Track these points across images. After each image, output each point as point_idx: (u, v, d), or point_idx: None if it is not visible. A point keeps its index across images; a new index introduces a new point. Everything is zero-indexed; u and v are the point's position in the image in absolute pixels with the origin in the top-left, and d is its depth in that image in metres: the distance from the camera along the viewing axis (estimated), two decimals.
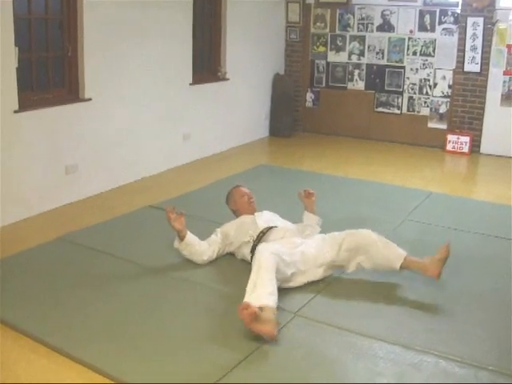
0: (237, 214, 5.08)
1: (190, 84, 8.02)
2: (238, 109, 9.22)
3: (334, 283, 4.51)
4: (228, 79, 8.82)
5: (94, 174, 6.56)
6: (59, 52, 6.21)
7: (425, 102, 9.54)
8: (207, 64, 8.64)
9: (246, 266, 4.60)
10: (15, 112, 5.60)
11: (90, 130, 6.45)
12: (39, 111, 5.89)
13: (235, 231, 4.84)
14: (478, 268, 4.95)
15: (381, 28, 9.65)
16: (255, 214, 4.95)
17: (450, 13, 9.15)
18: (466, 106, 9.22)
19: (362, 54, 9.87)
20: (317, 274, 4.44)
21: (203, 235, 5.07)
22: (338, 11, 9.92)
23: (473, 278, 4.74)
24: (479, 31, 8.89)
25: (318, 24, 10.13)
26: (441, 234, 5.66)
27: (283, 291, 4.20)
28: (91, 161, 6.50)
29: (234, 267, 4.79)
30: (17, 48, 5.54)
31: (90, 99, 6.37)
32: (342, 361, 3.53)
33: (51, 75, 6.18)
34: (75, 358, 3.50)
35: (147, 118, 7.28)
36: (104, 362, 3.44)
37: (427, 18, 9.32)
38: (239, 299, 3.88)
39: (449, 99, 9.36)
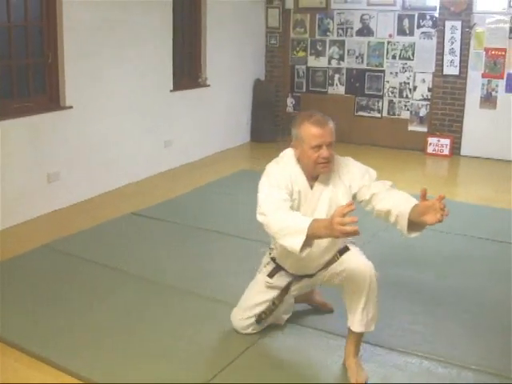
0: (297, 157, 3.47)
1: (171, 90, 8.02)
2: (219, 115, 9.24)
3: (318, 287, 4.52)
4: (209, 85, 8.83)
5: (77, 181, 6.54)
6: (39, 59, 6.19)
7: (405, 106, 9.60)
8: (188, 70, 8.64)
9: (238, 271, 4.64)
10: None
11: (71, 137, 6.43)
12: (20, 119, 5.86)
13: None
14: (460, 269, 5.01)
15: (360, 32, 9.71)
16: (320, 197, 3.45)
17: (428, 17, 9.22)
18: (446, 109, 9.29)
19: (341, 58, 9.92)
20: None
21: (186, 242, 5.09)
22: (317, 16, 9.96)
23: (455, 279, 4.79)
24: (457, 35, 8.97)
25: (298, 29, 10.17)
26: (422, 236, 5.68)
27: None
28: (73, 168, 6.48)
29: (224, 273, 4.80)
30: None
31: (70, 107, 6.35)
32: (328, 363, 3.55)
33: (32, 83, 6.16)
34: (61, 366, 3.48)
35: (128, 124, 7.27)
36: (91, 370, 3.43)
37: (406, 21, 9.38)
38: (226, 305, 3.89)
39: (429, 102, 9.43)
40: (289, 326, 3.94)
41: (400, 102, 9.62)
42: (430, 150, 9.27)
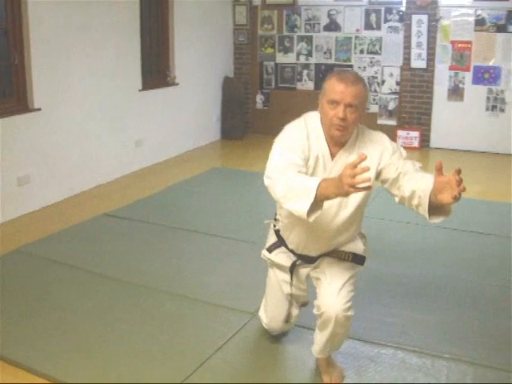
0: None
1: (140, 90, 7.99)
2: (188, 113, 9.23)
3: None
4: (178, 84, 8.82)
5: (48, 184, 6.49)
6: (5, 61, 6.13)
7: (374, 100, 9.67)
8: (156, 69, 8.62)
9: (214, 269, 4.64)
10: None
11: (41, 140, 6.37)
12: None
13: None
14: (434, 260, 5.06)
15: (328, 28, 9.75)
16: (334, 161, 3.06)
17: (394, 11, 9.30)
18: (414, 102, 9.37)
19: (309, 54, 9.96)
20: None
21: (161, 241, 5.07)
22: (284, 12, 9.99)
23: (425, 269, 4.85)
24: (424, 28, 9.05)
25: (266, 26, 10.19)
26: (394, 228, 5.78)
27: (238, 293, 4.24)
28: (44, 171, 6.43)
29: (199, 272, 4.81)
30: None
31: (39, 109, 6.30)
32: (302, 357, 3.57)
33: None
34: (37, 370, 3.46)
35: (98, 125, 7.23)
36: (66, 373, 3.41)
37: (373, 16, 9.45)
38: (203, 304, 3.89)
39: (397, 96, 9.51)
40: (259, 322, 3.95)
41: (369, 96, 9.68)
42: (399, 142, 9.33)
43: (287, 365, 3.54)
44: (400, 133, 9.37)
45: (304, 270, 3.36)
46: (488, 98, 9.04)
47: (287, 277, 3.37)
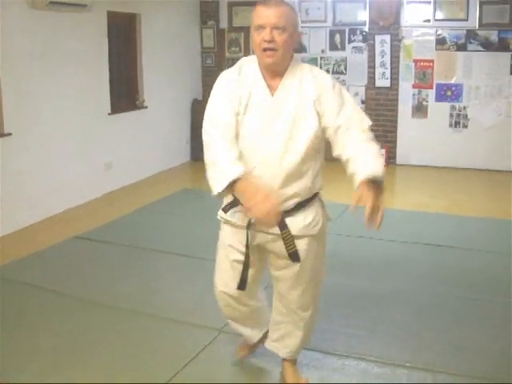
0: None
1: (109, 114, 8.08)
2: (158, 136, 9.32)
3: None
4: (146, 107, 8.93)
5: (17, 207, 6.54)
6: None
7: None
8: (125, 93, 8.72)
9: (183, 288, 4.72)
10: None
11: (10, 164, 6.44)
12: None
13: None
14: (392, 273, 5.21)
15: (294, 49, 9.88)
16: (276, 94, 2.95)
17: (358, 32, 9.51)
18: (380, 120, 9.55)
19: None
20: None
21: (132, 263, 5.17)
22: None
23: (387, 283, 4.99)
24: (387, 48, 9.27)
25: (233, 48, 10.36)
26: (357, 244, 5.92)
27: (206, 310, 4.34)
28: (13, 195, 6.48)
29: (170, 291, 4.90)
30: None
31: (9, 134, 6.38)
32: (267, 369, 3.68)
33: None
34: None
35: (68, 148, 7.30)
36: None
37: (337, 37, 9.66)
38: (173, 322, 3.98)
39: None
40: (226, 337, 4.05)
41: None
42: None
43: (254, 377, 3.64)
44: None
45: (261, 239, 3.12)
46: (451, 115, 9.25)
47: (242, 238, 3.13)
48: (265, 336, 3.58)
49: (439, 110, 9.29)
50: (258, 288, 3.46)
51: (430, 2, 9.03)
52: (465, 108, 9.18)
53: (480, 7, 8.79)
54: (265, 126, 2.89)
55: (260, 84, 2.92)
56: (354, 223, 6.46)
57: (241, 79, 2.94)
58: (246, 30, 10.12)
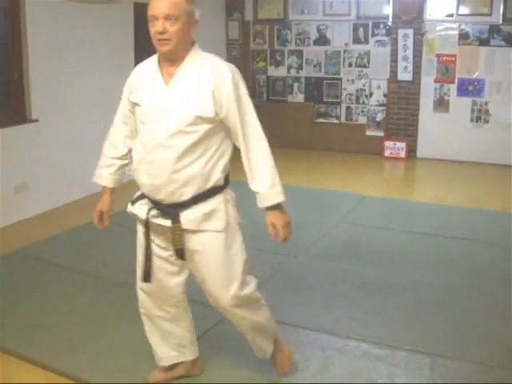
0: None
1: None
2: None
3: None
4: None
5: (44, 192, 6.75)
6: (5, 76, 6.41)
7: (362, 111, 9.95)
8: None
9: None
10: None
11: (37, 149, 6.65)
12: None
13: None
14: (403, 263, 5.32)
15: (317, 42, 10.05)
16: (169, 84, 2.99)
17: (381, 25, 9.59)
18: (401, 114, 9.64)
19: (300, 67, 10.25)
20: None
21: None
22: (275, 27, 10.30)
23: (397, 272, 5.10)
24: (410, 42, 9.34)
25: (258, 40, 10.50)
26: (371, 233, 6.04)
27: None
28: (40, 180, 6.69)
29: None
30: None
31: (36, 120, 6.59)
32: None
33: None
34: (31, 359, 3.75)
35: (92, 137, 7.46)
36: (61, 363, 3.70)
37: (361, 30, 9.74)
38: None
39: (384, 107, 9.78)
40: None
41: (357, 108, 9.97)
42: (386, 153, 9.61)
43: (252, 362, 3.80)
44: (387, 143, 9.63)
45: (160, 233, 3.11)
46: (472, 110, 9.29)
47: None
48: (193, 366, 3.52)
49: (461, 105, 9.33)
50: (183, 297, 3.35)
51: None
52: (486, 103, 9.21)
53: (504, 2, 8.79)
54: (159, 111, 2.93)
55: (156, 73, 2.99)
56: (370, 213, 6.65)
57: (140, 70, 3.12)
58: (271, 23, 10.28)
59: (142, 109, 3.01)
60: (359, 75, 9.86)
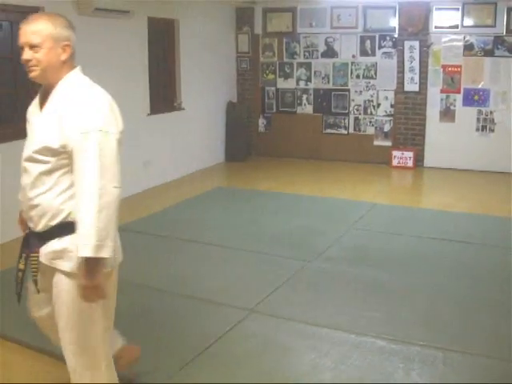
0: None
1: (148, 114, 8.51)
2: (194, 136, 9.75)
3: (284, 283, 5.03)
4: (184, 109, 9.34)
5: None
6: (25, 88, 6.63)
7: (370, 122, 10.17)
8: (164, 96, 9.14)
9: (216, 275, 5.09)
10: None
11: None
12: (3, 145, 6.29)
13: None
14: (410, 265, 5.54)
15: (325, 54, 10.29)
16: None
17: (388, 38, 9.83)
18: (408, 124, 9.86)
19: (308, 79, 10.49)
20: None
21: (170, 252, 5.55)
22: (284, 40, 10.54)
23: (410, 275, 5.29)
24: (416, 54, 9.57)
25: (267, 53, 10.74)
26: (382, 239, 6.24)
27: (237, 293, 4.72)
28: None
29: (201, 276, 5.29)
30: None
31: None
32: (292, 345, 4.04)
33: (19, 111, 6.59)
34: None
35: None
36: None
37: (368, 43, 9.98)
38: (204, 303, 4.34)
39: (392, 118, 10.00)
40: (255, 317, 4.42)
41: (365, 118, 10.20)
42: (394, 162, 9.82)
43: (281, 354, 3.99)
44: (395, 153, 9.83)
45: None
46: (478, 119, 9.51)
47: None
48: None
49: (466, 115, 9.54)
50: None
51: (458, 9, 9.29)
52: (491, 112, 9.43)
53: (508, 14, 9.04)
54: (29, 137, 2.87)
55: (35, 101, 2.93)
56: (380, 220, 6.85)
57: (36, 98, 2.96)
58: (279, 36, 10.53)
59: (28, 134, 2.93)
60: (367, 86, 10.09)
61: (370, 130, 10.20)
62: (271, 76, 10.79)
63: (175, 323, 4.37)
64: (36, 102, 2.91)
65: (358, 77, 10.14)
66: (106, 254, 2.60)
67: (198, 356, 3.90)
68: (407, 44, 9.62)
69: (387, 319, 4.40)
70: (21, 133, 6.41)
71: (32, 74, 2.77)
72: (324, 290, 4.95)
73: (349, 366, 3.78)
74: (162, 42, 9.06)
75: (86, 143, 2.65)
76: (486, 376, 3.66)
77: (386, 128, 10.07)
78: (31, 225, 2.86)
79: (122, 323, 4.29)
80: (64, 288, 2.78)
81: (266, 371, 3.75)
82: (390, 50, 9.85)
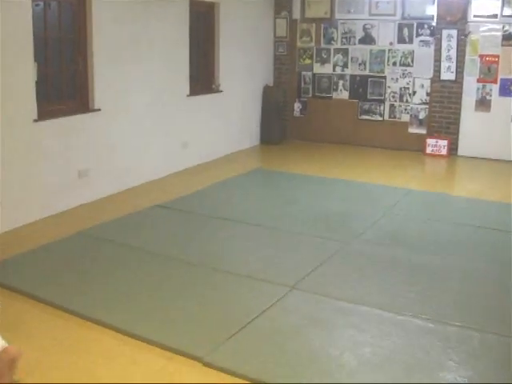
0: None
1: (187, 95, 8.65)
2: (231, 118, 9.89)
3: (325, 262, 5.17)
4: (221, 91, 9.48)
5: (103, 178, 7.15)
6: (72, 69, 6.82)
7: (405, 109, 10.22)
8: (202, 78, 9.29)
9: (254, 252, 5.22)
10: (34, 121, 6.20)
11: (98, 137, 7.06)
12: (53, 120, 6.48)
13: None
14: (445, 249, 5.66)
15: (363, 41, 10.35)
16: None
17: (426, 26, 9.85)
18: (444, 112, 9.90)
19: (345, 65, 10.57)
20: None
21: (207, 229, 5.69)
22: (322, 26, 10.62)
23: (440, 258, 5.42)
24: (453, 42, 9.59)
25: (304, 38, 10.82)
26: (417, 223, 6.35)
27: (277, 270, 4.86)
28: (101, 166, 7.09)
29: (240, 253, 5.44)
30: (36, 63, 6.16)
31: (99, 109, 6.99)
32: (332, 320, 4.18)
33: (65, 88, 6.79)
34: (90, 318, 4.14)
35: (149, 127, 7.90)
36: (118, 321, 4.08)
37: (405, 30, 10.02)
38: (243, 279, 4.50)
39: (427, 106, 10.05)
40: (297, 293, 4.56)
41: (400, 106, 10.25)
42: (428, 150, 9.88)
43: (321, 329, 4.13)
44: (429, 141, 9.89)
45: None
46: None
47: None
48: None
49: (502, 105, 9.55)
50: None
51: None
52: None
53: None
54: None
55: None
56: (415, 205, 6.95)
57: None
58: (317, 21, 10.60)
59: None
60: (403, 74, 10.14)
61: (405, 118, 10.25)
62: (308, 61, 10.88)
63: (218, 297, 4.54)
64: None
65: (394, 64, 10.19)
66: None
67: (242, 328, 4.05)
68: (445, 33, 9.64)
69: (424, 300, 4.52)
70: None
71: None
72: (362, 270, 5.08)
73: (388, 343, 3.90)
74: (203, 25, 9.18)
75: None
76: None
77: (421, 116, 10.12)
78: None
79: (165, 296, 4.51)
80: None
81: (309, 345, 3.89)
82: (427, 38, 9.88)
